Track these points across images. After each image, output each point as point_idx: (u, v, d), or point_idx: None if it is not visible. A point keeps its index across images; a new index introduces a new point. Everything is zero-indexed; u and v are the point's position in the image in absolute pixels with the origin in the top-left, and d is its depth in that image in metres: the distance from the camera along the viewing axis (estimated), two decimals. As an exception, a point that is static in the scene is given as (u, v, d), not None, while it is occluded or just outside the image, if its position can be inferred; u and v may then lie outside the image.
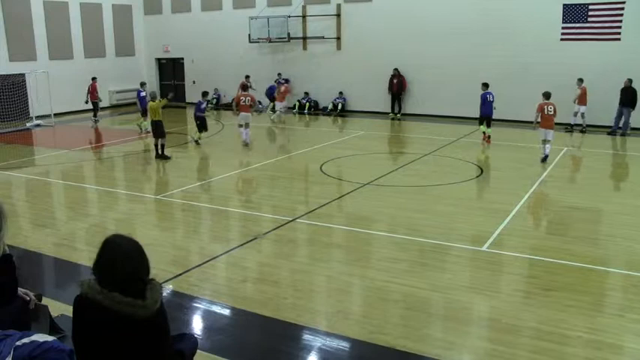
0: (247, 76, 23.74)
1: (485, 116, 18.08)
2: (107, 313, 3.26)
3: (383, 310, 6.78)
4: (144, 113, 19.50)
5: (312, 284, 7.66)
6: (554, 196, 12.22)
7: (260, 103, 26.25)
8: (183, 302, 7.00)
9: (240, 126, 17.84)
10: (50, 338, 3.74)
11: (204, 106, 17.84)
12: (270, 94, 25.32)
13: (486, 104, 18.01)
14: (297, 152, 16.08)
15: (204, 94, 18.19)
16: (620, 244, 9.00)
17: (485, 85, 18.20)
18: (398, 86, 23.87)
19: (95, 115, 22.64)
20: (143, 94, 19.91)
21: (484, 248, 8.73)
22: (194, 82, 29.35)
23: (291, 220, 10.17)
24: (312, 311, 6.82)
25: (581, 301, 6.89)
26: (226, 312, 6.89)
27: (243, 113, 17.72)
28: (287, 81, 25.74)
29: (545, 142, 14.91)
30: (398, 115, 23.96)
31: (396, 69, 23.76)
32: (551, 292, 7.19)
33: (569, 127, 19.92)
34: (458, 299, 7.03)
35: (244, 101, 17.88)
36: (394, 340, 5.98)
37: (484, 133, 18.14)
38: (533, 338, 6.07)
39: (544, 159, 14.86)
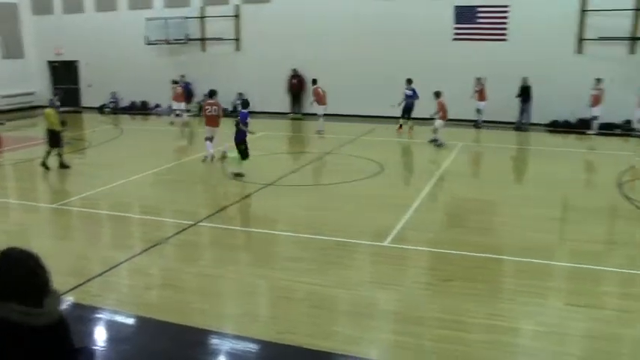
0: (183, 76, 23.24)
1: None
2: (5, 323, 3.14)
3: (289, 310, 6.83)
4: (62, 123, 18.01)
5: (217, 288, 7.61)
6: (452, 190, 12.73)
7: (158, 106, 25.74)
8: (84, 314, 6.73)
9: (207, 139, 15.18)
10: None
11: (249, 119, 13.71)
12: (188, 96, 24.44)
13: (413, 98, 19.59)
14: (198, 155, 15.82)
15: (245, 103, 14.22)
16: (511, 232, 9.53)
17: (409, 81, 19.61)
18: (297, 86, 24.05)
19: None
20: (58, 103, 18.81)
21: (386, 243, 8.95)
22: (90, 86, 28.27)
23: (194, 224, 10.03)
24: (219, 315, 6.78)
25: (479, 289, 7.24)
26: (131, 321, 6.72)
27: (208, 127, 15.21)
28: (187, 84, 25.15)
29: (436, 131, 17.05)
30: (298, 114, 24.13)
31: (294, 69, 23.93)
32: (451, 282, 7.50)
33: (476, 124, 20.81)
34: (362, 294, 7.19)
35: (210, 111, 15.13)
36: (302, 339, 6.05)
37: (409, 126, 19.64)
38: (437, 327, 6.31)
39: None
